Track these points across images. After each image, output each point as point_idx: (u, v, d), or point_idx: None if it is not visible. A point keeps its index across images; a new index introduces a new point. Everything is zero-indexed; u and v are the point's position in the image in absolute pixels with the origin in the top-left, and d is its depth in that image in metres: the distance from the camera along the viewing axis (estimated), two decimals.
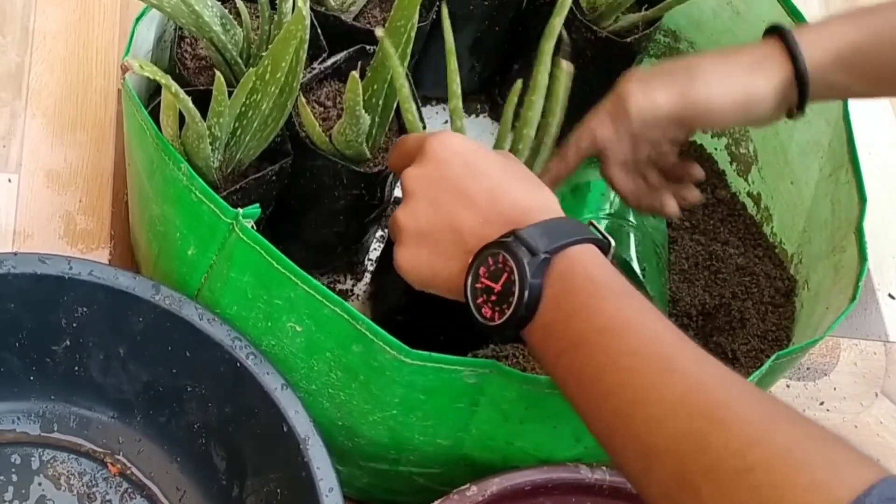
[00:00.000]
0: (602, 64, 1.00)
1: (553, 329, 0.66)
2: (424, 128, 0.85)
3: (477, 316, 0.69)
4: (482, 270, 0.68)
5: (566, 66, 0.81)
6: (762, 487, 0.53)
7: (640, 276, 0.93)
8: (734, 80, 0.81)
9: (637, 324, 0.63)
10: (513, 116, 0.81)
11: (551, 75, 0.80)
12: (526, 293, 0.66)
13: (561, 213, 0.70)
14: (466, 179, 0.71)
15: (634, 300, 0.65)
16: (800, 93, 0.81)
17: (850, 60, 0.81)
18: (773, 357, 0.77)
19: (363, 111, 0.78)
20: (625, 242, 0.95)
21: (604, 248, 0.69)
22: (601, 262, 0.67)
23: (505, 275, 0.67)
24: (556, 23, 0.80)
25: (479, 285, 0.69)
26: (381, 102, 0.81)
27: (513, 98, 0.79)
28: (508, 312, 0.67)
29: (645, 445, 0.59)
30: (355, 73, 0.75)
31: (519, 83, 0.79)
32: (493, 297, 0.68)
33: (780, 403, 0.58)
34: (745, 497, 0.53)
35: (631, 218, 0.96)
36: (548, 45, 0.80)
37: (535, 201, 0.70)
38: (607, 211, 0.96)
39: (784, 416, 0.57)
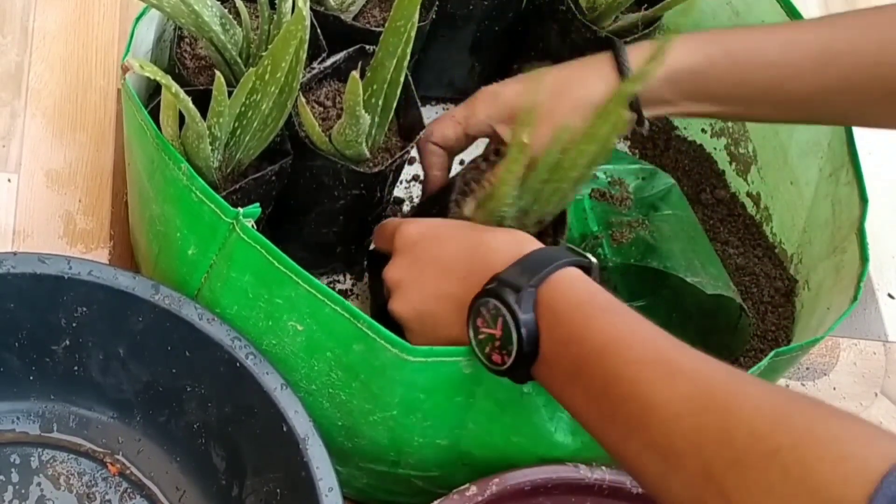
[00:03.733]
0: None
1: (554, 360, 0.68)
2: (423, 128, 0.85)
3: (489, 365, 0.71)
4: (479, 322, 0.71)
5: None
6: (791, 466, 0.53)
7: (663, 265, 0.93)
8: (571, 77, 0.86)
9: (631, 335, 0.64)
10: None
11: None
12: (523, 330, 0.68)
13: (536, 246, 0.73)
14: (437, 252, 0.76)
15: (622, 313, 0.66)
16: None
17: (679, 77, 0.84)
18: (771, 354, 0.77)
19: (363, 111, 0.78)
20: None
21: (585, 267, 0.71)
22: (583, 283, 0.69)
23: (500, 319, 0.69)
24: (630, 88, 0.79)
25: (481, 336, 0.71)
26: (380, 102, 0.81)
27: (563, 135, 0.79)
28: (513, 353, 0.69)
29: (663, 449, 0.59)
30: (355, 74, 0.75)
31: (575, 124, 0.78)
32: (498, 343, 0.70)
33: (788, 389, 0.59)
34: (775, 479, 0.53)
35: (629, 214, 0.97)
36: (616, 106, 0.78)
37: (508, 244, 0.73)
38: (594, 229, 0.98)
39: (797, 398, 0.57)
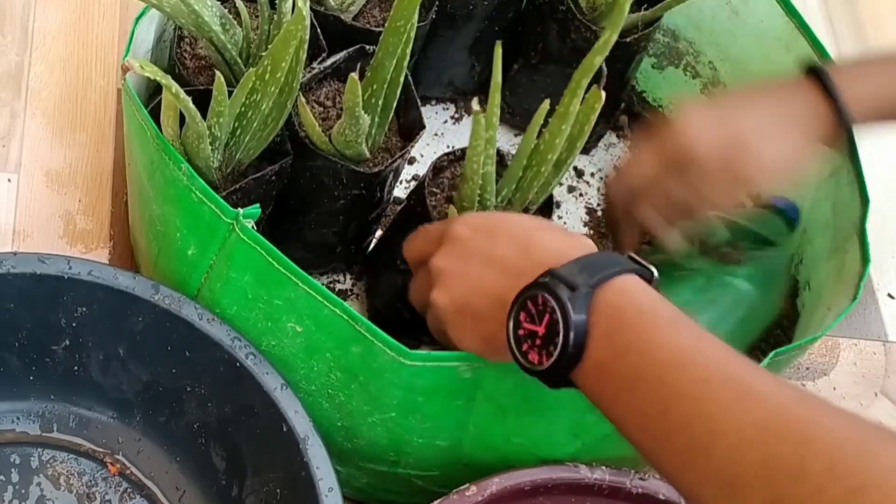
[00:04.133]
0: (604, 65, 1.00)
1: (606, 368, 0.62)
2: (423, 128, 0.85)
3: (524, 363, 0.66)
4: (523, 316, 0.66)
5: (602, 96, 0.79)
6: None
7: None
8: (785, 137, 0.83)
9: (699, 351, 0.60)
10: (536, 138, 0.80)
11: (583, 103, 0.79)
12: (571, 332, 0.63)
13: (594, 249, 0.69)
14: (491, 245, 0.71)
15: (690, 327, 0.62)
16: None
17: (886, 111, 0.84)
18: (771, 354, 0.77)
19: (363, 112, 0.78)
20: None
21: (646, 277, 0.67)
22: (648, 292, 0.64)
23: (547, 316, 0.64)
24: (597, 61, 0.76)
25: (521, 332, 0.66)
26: (380, 103, 0.81)
27: (539, 118, 0.78)
28: (556, 353, 0.64)
29: (728, 478, 0.55)
30: (354, 75, 0.75)
31: (546, 104, 0.78)
32: (538, 342, 0.65)
33: (864, 419, 0.55)
34: None
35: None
36: (584, 80, 0.78)
37: (568, 243, 0.69)
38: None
39: (881, 432, 0.54)
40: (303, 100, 0.79)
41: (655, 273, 0.68)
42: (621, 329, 0.62)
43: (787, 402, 0.56)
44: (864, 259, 0.86)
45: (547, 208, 0.85)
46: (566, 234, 0.71)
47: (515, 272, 0.68)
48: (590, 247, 0.69)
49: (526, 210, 0.83)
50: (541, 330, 0.65)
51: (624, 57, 1.01)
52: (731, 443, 0.55)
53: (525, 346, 0.66)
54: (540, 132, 0.80)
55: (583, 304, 0.63)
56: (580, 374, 0.64)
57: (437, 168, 0.86)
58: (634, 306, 0.63)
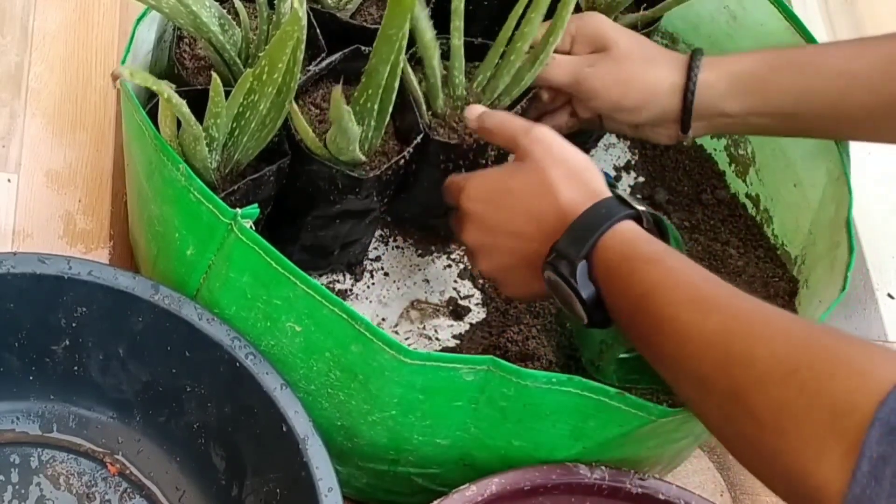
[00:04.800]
0: None
1: (614, 311, 0.74)
2: (420, 132, 0.86)
3: (576, 318, 0.77)
4: (551, 285, 0.77)
5: None
6: (808, 382, 0.59)
7: None
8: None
9: (670, 280, 0.70)
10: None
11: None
12: (584, 301, 0.74)
13: (604, 195, 0.77)
14: (503, 218, 0.80)
15: (664, 261, 0.72)
16: (684, 107, 0.89)
17: (744, 85, 0.88)
18: None
19: (350, 124, 0.78)
20: None
21: (635, 217, 0.76)
22: (630, 237, 0.74)
23: (561, 291, 0.76)
24: None
25: (553, 299, 0.78)
26: (375, 107, 0.81)
27: (518, 9, 0.85)
28: (584, 317, 0.75)
29: (698, 376, 0.66)
30: (338, 92, 0.75)
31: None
32: (568, 307, 0.76)
33: (812, 321, 0.67)
34: (793, 394, 0.60)
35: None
36: None
37: (575, 199, 0.76)
38: None
39: (817, 327, 0.64)
40: (295, 107, 0.79)
41: (642, 209, 0.76)
42: (611, 279, 0.73)
43: (741, 308, 0.67)
44: (850, 248, 0.86)
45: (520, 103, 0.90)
46: (576, 182, 0.78)
47: (537, 236, 0.77)
48: (598, 191, 0.77)
49: (498, 102, 0.90)
50: (569, 296, 0.75)
51: None
52: (696, 348, 0.66)
53: (567, 310, 0.77)
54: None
55: (584, 275, 0.74)
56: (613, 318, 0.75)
57: None
58: (618, 256, 0.73)
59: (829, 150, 0.96)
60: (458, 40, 0.87)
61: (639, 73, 0.89)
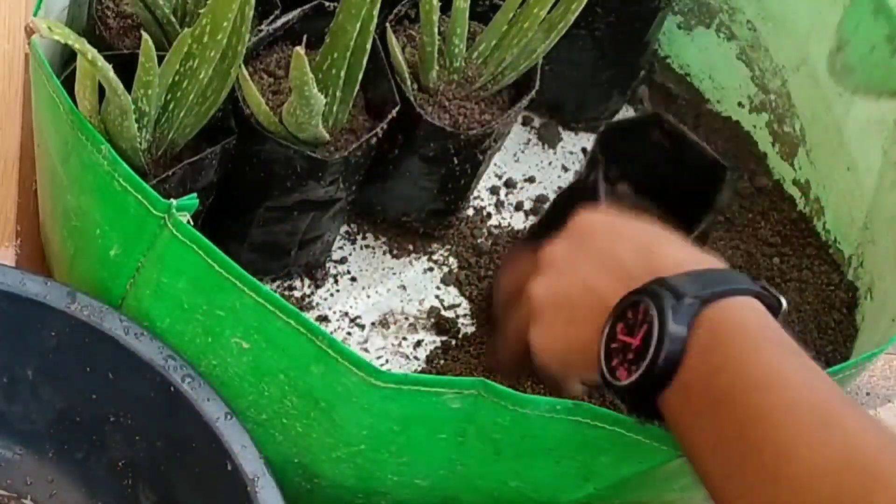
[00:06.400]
0: (620, 23, 1.01)
1: (694, 387, 0.68)
2: (396, 104, 0.86)
3: (610, 380, 0.71)
4: (620, 327, 0.71)
5: None
6: None
7: None
8: None
9: (795, 376, 0.66)
10: None
11: None
12: (666, 342, 0.68)
13: (721, 266, 0.73)
14: (610, 244, 0.76)
15: (795, 354, 0.67)
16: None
17: None
18: None
19: (314, 91, 0.78)
20: None
21: (772, 305, 0.71)
22: (761, 314, 0.70)
23: (645, 326, 0.69)
24: None
25: (615, 344, 0.71)
26: (342, 74, 0.81)
27: None
28: (643, 366, 0.69)
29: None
30: (300, 49, 0.75)
31: None
32: (630, 356, 0.70)
33: None
34: None
35: None
36: None
37: (693, 256, 0.74)
38: None
39: None
40: (245, 72, 0.80)
41: (784, 303, 0.72)
42: (718, 348, 0.68)
43: (868, 437, 0.62)
44: None
45: (525, 85, 0.90)
46: (694, 249, 0.75)
47: (627, 277, 0.73)
48: (716, 263, 0.74)
49: (501, 77, 0.89)
50: (635, 342, 0.70)
51: (643, 14, 1.03)
52: (800, 472, 0.62)
53: (615, 361, 0.71)
54: None
55: (685, 315, 0.68)
56: (667, 395, 0.69)
57: None
58: (739, 324, 0.68)
59: (882, 126, 0.97)
60: (463, 1, 0.87)
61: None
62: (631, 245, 0.76)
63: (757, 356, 0.67)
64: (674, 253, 0.74)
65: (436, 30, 0.88)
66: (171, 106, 0.79)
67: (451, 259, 1.01)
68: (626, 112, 1.12)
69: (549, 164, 1.11)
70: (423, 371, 0.95)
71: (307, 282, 0.97)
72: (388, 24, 0.87)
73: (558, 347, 0.77)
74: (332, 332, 0.90)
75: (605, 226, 0.79)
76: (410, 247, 1.01)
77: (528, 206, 1.08)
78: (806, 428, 0.63)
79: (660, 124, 0.90)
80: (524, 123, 1.13)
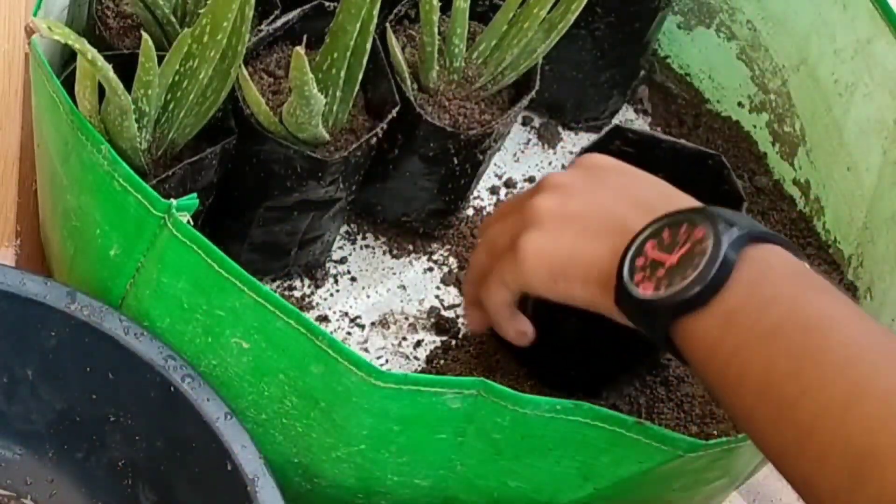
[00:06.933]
0: (620, 23, 1.01)
1: (739, 317, 0.67)
2: (396, 104, 0.86)
3: (631, 291, 0.71)
4: (651, 244, 0.72)
5: None
6: None
7: None
8: None
9: (849, 318, 0.65)
10: None
11: None
12: (716, 264, 0.67)
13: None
14: (627, 180, 0.79)
15: (843, 299, 0.67)
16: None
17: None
18: None
19: (314, 91, 0.78)
20: None
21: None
22: (802, 263, 0.70)
23: (687, 246, 0.70)
24: None
25: (640, 261, 0.72)
26: (342, 74, 0.81)
27: None
28: (685, 282, 0.68)
29: (860, 451, 0.59)
30: (300, 49, 0.76)
31: None
32: (661, 272, 0.70)
33: None
34: None
35: None
36: None
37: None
38: None
39: None
40: (245, 73, 0.80)
41: (805, 262, 0.72)
42: (770, 281, 0.68)
43: None
44: None
45: (525, 85, 0.90)
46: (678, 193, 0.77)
47: (649, 208, 0.74)
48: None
49: (501, 77, 0.90)
50: (671, 259, 0.70)
51: (643, 14, 1.02)
52: (871, 411, 0.60)
53: (639, 277, 0.71)
54: None
55: (738, 244, 0.68)
56: (698, 323, 0.68)
57: None
58: (788, 265, 0.69)
59: (882, 126, 0.97)
60: (463, 2, 0.87)
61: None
62: (648, 184, 0.78)
63: (808, 294, 0.67)
64: (694, 199, 0.75)
65: (436, 30, 0.88)
66: (171, 106, 0.79)
67: (451, 259, 1.01)
68: (626, 112, 1.12)
69: (549, 164, 1.11)
70: (423, 371, 0.95)
71: (307, 282, 0.97)
72: (388, 24, 0.87)
73: (561, 255, 0.76)
74: (332, 332, 0.90)
75: (618, 166, 0.81)
76: (410, 247, 1.01)
77: None
78: (872, 365, 0.61)
79: (620, 135, 0.90)
80: (524, 123, 1.12)
